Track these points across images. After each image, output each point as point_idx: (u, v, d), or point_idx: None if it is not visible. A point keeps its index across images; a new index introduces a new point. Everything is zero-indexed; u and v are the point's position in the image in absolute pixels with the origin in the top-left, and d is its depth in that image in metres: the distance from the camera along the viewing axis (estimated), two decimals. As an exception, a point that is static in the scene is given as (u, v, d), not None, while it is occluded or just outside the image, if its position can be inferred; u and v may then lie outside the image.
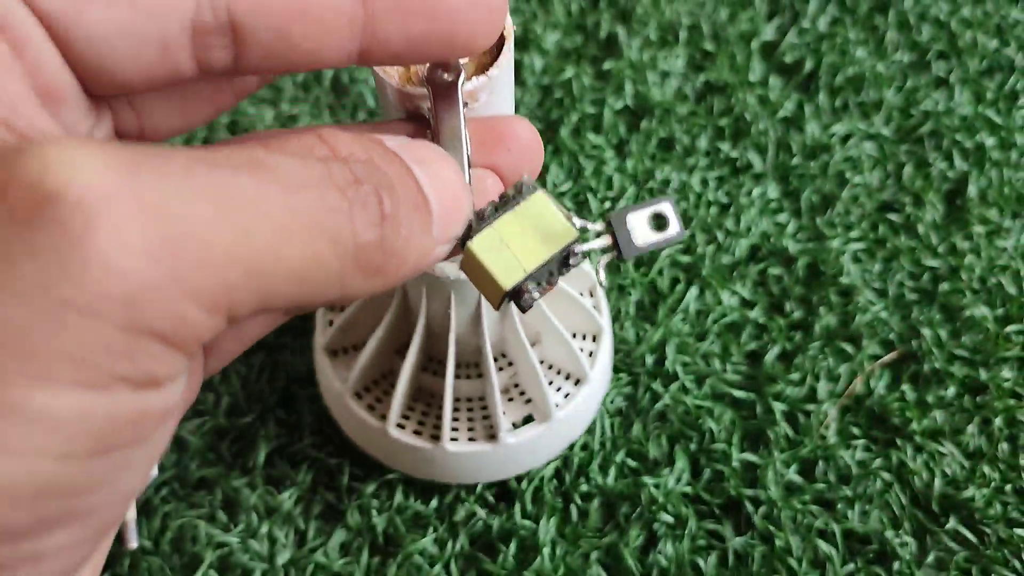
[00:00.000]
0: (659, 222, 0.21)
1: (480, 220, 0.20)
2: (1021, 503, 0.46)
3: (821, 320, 0.52)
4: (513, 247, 0.19)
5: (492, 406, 0.44)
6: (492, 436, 0.45)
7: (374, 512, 0.47)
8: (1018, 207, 0.56)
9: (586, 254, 0.21)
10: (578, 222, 0.20)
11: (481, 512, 0.47)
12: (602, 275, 0.21)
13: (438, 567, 0.45)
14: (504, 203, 0.21)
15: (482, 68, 0.29)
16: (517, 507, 0.47)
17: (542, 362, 0.47)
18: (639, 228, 0.21)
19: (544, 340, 0.47)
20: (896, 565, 0.44)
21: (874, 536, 0.45)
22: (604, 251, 0.21)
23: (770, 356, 0.51)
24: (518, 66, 0.64)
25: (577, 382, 0.46)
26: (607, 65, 0.63)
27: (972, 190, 0.57)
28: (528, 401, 0.47)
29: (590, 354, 0.47)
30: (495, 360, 0.45)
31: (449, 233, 0.19)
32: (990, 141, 0.58)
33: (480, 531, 0.46)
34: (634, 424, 0.49)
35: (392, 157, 0.18)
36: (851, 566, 0.45)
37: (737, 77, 0.62)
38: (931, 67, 0.63)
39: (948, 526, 0.46)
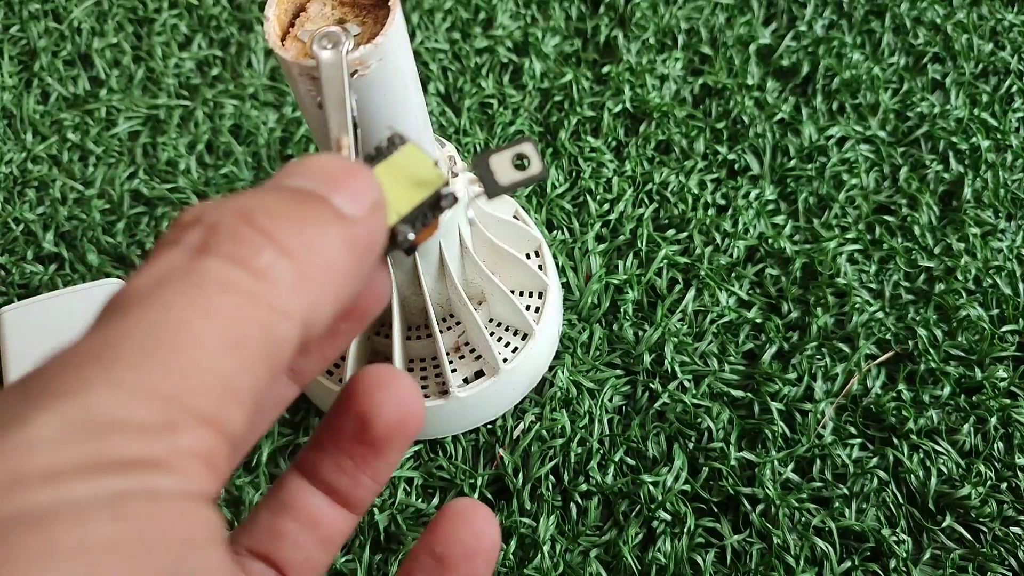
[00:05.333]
0: (521, 162, 0.22)
1: None
2: (1016, 501, 0.47)
3: (818, 320, 0.52)
4: (387, 194, 0.21)
5: (442, 363, 0.46)
6: (444, 392, 0.47)
7: (376, 510, 0.47)
8: (1013, 208, 0.57)
9: (455, 197, 0.22)
10: (446, 168, 0.21)
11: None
12: (470, 211, 0.22)
13: (439, 564, 0.46)
14: (378, 155, 0.22)
15: (373, 36, 0.31)
16: (516, 505, 0.47)
17: (491, 320, 0.50)
18: (502, 169, 0.22)
19: (490, 299, 0.49)
20: (892, 563, 0.45)
21: (870, 534, 0.46)
22: (473, 191, 0.22)
23: (767, 356, 0.51)
24: (518, 69, 0.65)
25: (524, 337, 0.49)
26: (606, 69, 0.64)
27: (967, 192, 0.57)
28: (478, 357, 0.49)
29: (536, 310, 0.50)
30: (443, 320, 0.48)
31: (364, 200, 0.18)
32: (985, 143, 0.59)
33: (480, 529, 0.47)
34: (633, 423, 0.49)
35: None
36: (847, 563, 0.45)
37: (734, 81, 0.63)
38: (926, 70, 0.63)
39: (944, 524, 0.46)
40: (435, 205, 0.21)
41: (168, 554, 0.14)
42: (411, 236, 0.21)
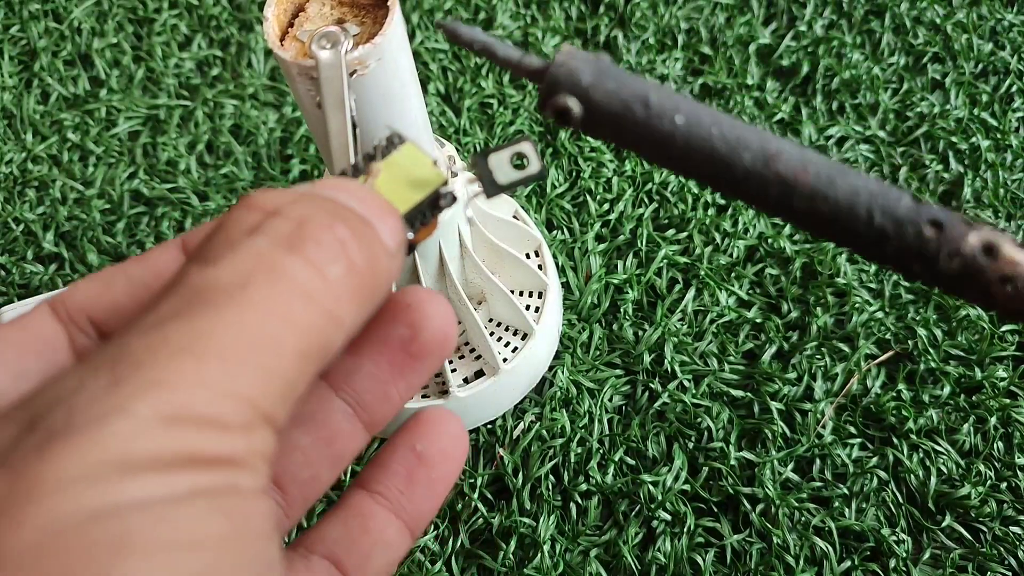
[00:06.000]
0: (520, 161, 0.22)
1: (356, 172, 0.22)
2: (1016, 501, 0.47)
3: (817, 320, 0.52)
4: (386, 194, 0.21)
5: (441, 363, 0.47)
6: (444, 392, 0.47)
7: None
8: (1013, 208, 0.57)
9: (454, 196, 0.22)
10: (445, 168, 0.21)
11: (482, 509, 0.47)
12: (469, 211, 0.22)
13: (439, 564, 0.46)
14: (376, 154, 0.22)
15: (372, 36, 0.31)
16: (516, 505, 0.47)
17: (491, 320, 0.50)
18: (501, 167, 0.22)
19: (489, 299, 0.49)
20: (892, 562, 0.45)
21: (870, 533, 0.46)
22: (472, 190, 0.22)
23: (767, 355, 0.51)
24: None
25: (524, 336, 0.49)
26: (606, 69, 0.64)
27: (967, 192, 0.57)
28: (478, 357, 0.49)
29: (536, 310, 0.50)
30: None
31: (399, 237, 0.20)
32: (985, 143, 0.59)
33: (480, 528, 0.47)
34: (632, 423, 0.49)
35: (312, 194, 0.19)
36: (847, 563, 0.45)
37: (734, 80, 0.63)
38: (926, 70, 0.63)
39: (944, 524, 0.46)
40: (434, 204, 0.21)
41: (254, 548, 0.15)
42: (410, 235, 0.21)
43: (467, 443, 0.24)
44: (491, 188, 0.22)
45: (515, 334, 0.49)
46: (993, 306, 0.18)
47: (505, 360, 0.48)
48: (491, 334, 0.49)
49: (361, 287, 0.18)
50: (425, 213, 0.21)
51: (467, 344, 0.50)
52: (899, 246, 0.18)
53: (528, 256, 0.52)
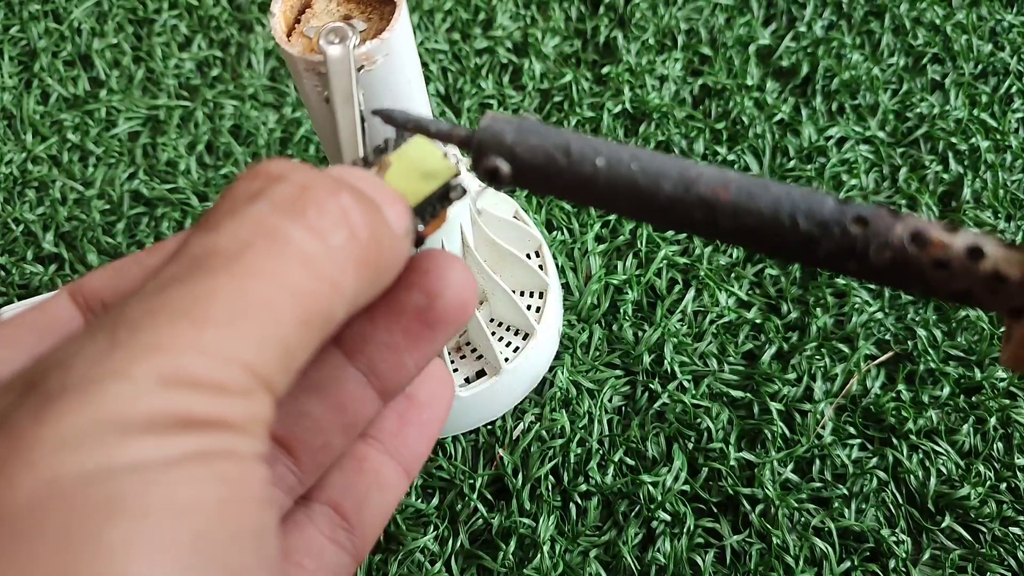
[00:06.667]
0: None
1: (366, 164, 0.22)
2: (1016, 501, 0.47)
3: (817, 320, 0.52)
4: (396, 186, 0.21)
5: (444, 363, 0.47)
6: None
7: (375, 510, 0.47)
8: (1012, 209, 0.57)
9: (464, 189, 0.22)
10: (454, 159, 0.22)
11: (481, 510, 0.47)
12: (479, 202, 0.23)
13: (439, 565, 0.46)
14: (387, 146, 0.22)
15: (379, 32, 0.32)
16: (516, 505, 0.47)
17: (492, 320, 0.50)
18: None
19: (491, 299, 0.49)
20: (892, 563, 0.45)
21: (870, 534, 0.46)
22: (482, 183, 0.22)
23: (767, 356, 0.51)
24: (518, 70, 0.65)
25: (525, 336, 0.49)
26: (605, 70, 0.64)
27: (967, 192, 0.57)
28: (479, 357, 0.49)
29: (537, 310, 0.50)
30: None
31: (406, 221, 0.20)
32: (984, 144, 0.59)
33: (480, 529, 0.47)
34: (632, 423, 0.49)
35: (319, 169, 0.19)
36: (847, 564, 0.45)
37: (734, 81, 0.63)
38: (926, 71, 0.63)
39: (943, 524, 0.46)
40: (444, 196, 0.21)
41: (249, 513, 0.15)
42: (420, 228, 0.21)
43: (453, 384, 0.25)
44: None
45: (516, 334, 0.50)
46: (933, 292, 0.19)
47: (507, 360, 0.48)
48: (492, 334, 0.49)
49: (365, 259, 0.17)
50: (435, 205, 0.21)
51: (468, 344, 0.50)
52: (829, 248, 0.19)
53: (528, 256, 0.52)
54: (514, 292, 0.50)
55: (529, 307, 0.50)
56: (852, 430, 0.49)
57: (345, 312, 0.17)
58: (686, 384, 0.51)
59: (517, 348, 0.49)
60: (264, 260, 0.16)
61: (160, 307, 0.15)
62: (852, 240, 0.19)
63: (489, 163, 0.20)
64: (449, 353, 0.49)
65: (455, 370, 0.48)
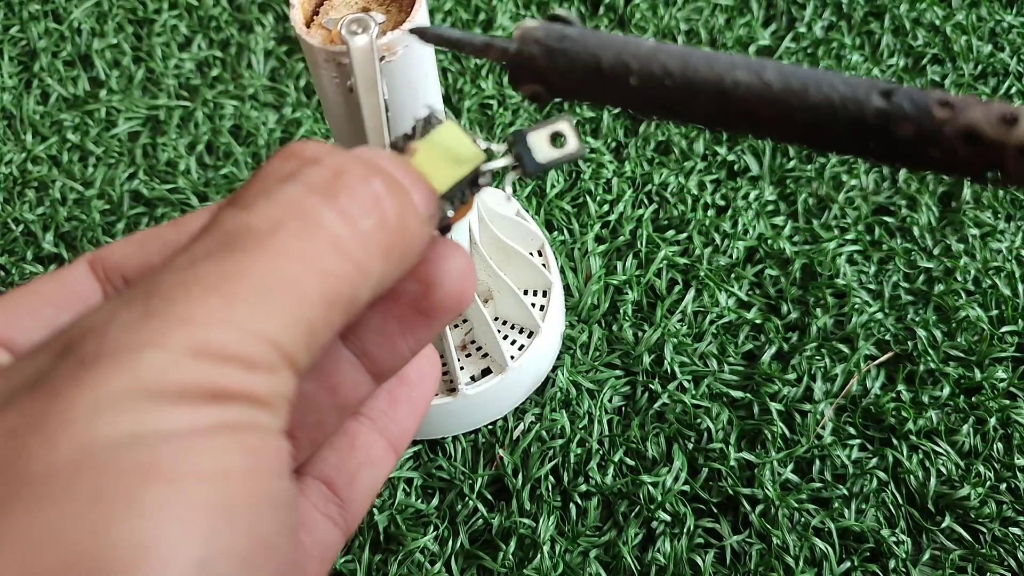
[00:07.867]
0: (558, 140, 0.22)
1: (395, 150, 0.22)
2: (1016, 502, 0.47)
3: (817, 321, 0.52)
4: (424, 171, 0.21)
5: (449, 361, 0.47)
6: (452, 389, 0.47)
7: (375, 510, 0.47)
8: (1012, 209, 0.57)
9: (495, 174, 0.22)
10: (483, 144, 0.22)
11: (481, 510, 0.47)
12: (508, 190, 0.23)
13: (439, 565, 0.46)
14: (415, 133, 0.22)
15: (398, 24, 0.33)
16: (516, 505, 0.47)
17: (496, 318, 0.50)
18: (539, 146, 0.22)
19: (496, 297, 0.49)
20: (892, 563, 0.45)
21: (870, 534, 0.46)
22: (509, 169, 0.22)
23: (766, 356, 0.51)
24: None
25: (530, 334, 0.49)
26: (605, 70, 0.64)
27: (966, 192, 0.57)
28: (485, 355, 0.49)
29: (541, 308, 0.50)
30: None
31: (432, 206, 0.20)
32: (984, 144, 0.59)
33: (480, 529, 0.47)
34: (632, 423, 0.49)
35: (350, 152, 0.20)
36: (847, 564, 0.45)
37: (734, 81, 0.63)
38: (926, 71, 0.63)
39: (943, 524, 0.46)
40: (473, 182, 0.21)
41: (270, 484, 0.15)
42: (450, 213, 0.21)
43: (439, 362, 0.25)
44: (531, 166, 0.22)
45: (521, 332, 0.50)
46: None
47: (512, 358, 0.48)
48: (497, 331, 0.50)
49: (392, 245, 0.18)
50: (464, 191, 0.21)
51: (474, 342, 0.50)
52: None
53: (532, 255, 0.52)
54: (518, 290, 0.51)
55: (533, 305, 0.50)
56: (852, 430, 0.49)
57: (370, 295, 0.18)
58: (686, 384, 0.51)
59: (522, 346, 0.49)
60: (295, 241, 0.16)
61: (192, 280, 0.15)
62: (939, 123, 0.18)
63: (527, 90, 0.21)
64: (455, 351, 0.49)
65: (461, 368, 0.49)
